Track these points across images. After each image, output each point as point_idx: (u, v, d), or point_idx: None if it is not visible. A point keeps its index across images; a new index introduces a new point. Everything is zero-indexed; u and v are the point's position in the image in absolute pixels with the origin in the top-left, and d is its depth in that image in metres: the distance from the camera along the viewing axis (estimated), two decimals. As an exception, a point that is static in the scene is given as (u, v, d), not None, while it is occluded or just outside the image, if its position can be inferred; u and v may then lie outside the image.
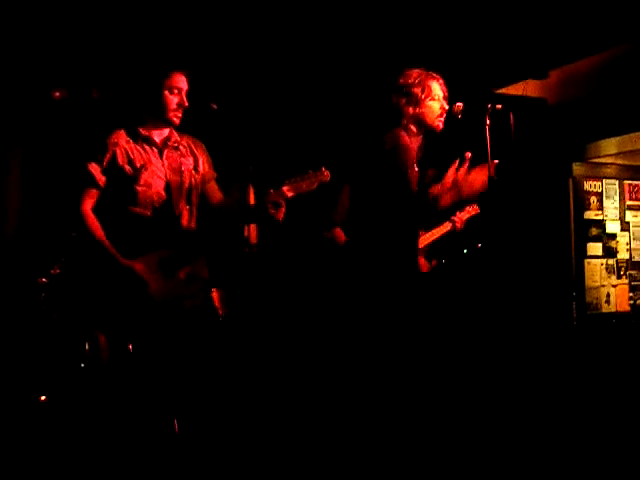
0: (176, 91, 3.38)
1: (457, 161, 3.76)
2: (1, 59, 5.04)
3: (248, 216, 3.65)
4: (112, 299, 3.32)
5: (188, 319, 3.41)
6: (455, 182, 3.71)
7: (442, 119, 3.79)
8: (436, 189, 3.79)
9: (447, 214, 4.94)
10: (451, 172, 3.77)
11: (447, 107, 3.77)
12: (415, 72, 3.77)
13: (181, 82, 3.40)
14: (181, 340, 3.39)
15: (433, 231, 4.93)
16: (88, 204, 3.34)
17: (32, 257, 5.02)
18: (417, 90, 3.72)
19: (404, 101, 3.74)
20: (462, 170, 3.73)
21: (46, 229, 5.11)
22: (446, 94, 3.79)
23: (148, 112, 3.42)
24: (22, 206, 5.32)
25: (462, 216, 4.99)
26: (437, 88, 3.77)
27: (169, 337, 3.37)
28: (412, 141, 3.73)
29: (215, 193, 3.61)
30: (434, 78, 3.78)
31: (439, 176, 3.98)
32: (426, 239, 4.86)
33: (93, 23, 5.02)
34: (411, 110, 3.74)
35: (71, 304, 4.72)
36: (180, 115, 3.42)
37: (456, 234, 5.16)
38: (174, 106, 3.39)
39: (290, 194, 3.39)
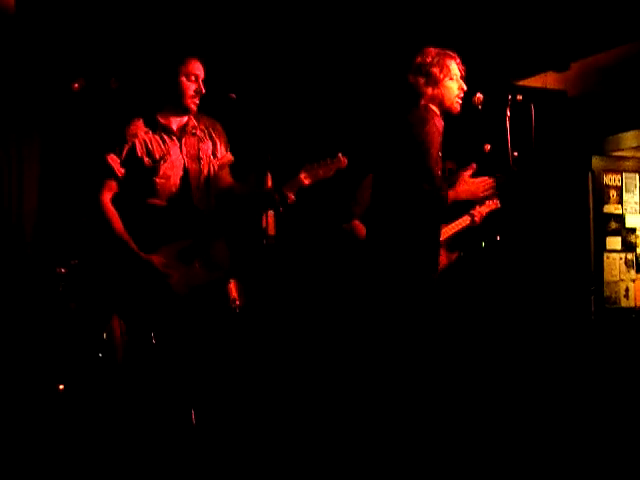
0: (193, 78, 3.37)
1: (472, 168, 3.70)
2: (18, 51, 5.05)
3: (261, 202, 3.60)
4: (131, 290, 3.32)
5: (209, 308, 3.41)
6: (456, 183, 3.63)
7: (460, 100, 3.68)
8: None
9: (466, 208, 4.90)
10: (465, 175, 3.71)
11: (465, 88, 3.67)
12: (433, 51, 3.63)
13: (197, 69, 3.39)
14: (201, 330, 3.39)
15: (452, 225, 4.89)
16: (107, 196, 3.34)
17: (51, 247, 5.04)
18: (435, 70, 3.58)
19: (423, 81, 3.59)
20: (467, 173, 3.66)
21: (65, 220, 5.13)
22: (463, 74, 3.69)
23: (166, 99, 3.42)
24: (41, 197, 5.34)
25: (481, 210, 4.95)
26: (455, 67, 3.63)
27: (189, 327, 3.37)
28: (437, 122, 3.60)
29: (226, 178, 3.59)
30: (452, 57, 3.64)
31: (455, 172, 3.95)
32: (445, 232, 4.83)
33: (109, 13, 5.02)
34: (430, 90, 3.59)
35: (89, 294, 4.74)
36: (197, 102, 3.41)
37: (475, 227, 5.13)
38: (191, 93, 3.38)
39: (307, 181, 3.38)
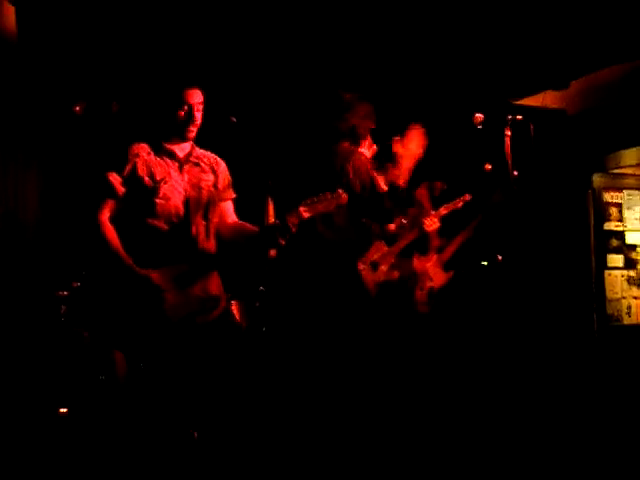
0: (186, 107, 3.39)
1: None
2: (21, 75, 5.08)
3: (263, 242, 3.62)
4: (129, 313, 3.32)
5: (202, 334, 3.41)
6: (399, 157, 3.69)
7: None
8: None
9: (415, 222, 4.90)
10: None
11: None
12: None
13: (192, 98, 3.39)
14: (195, 355, 3.39)
15: (399, 241, 4.86)
16: (106, 214, 3.34)
17: (52, 270, 5.04)
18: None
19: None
20: (398, 142, 3.73)
21: (66, 241, 5.13)
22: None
23: (166, 128, 3.44)
24: (41, 218, 5.34)
25: (434, 216, 4.89)
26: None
27: (183, 352, 3.36)
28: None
29: (229, 214, 3.61)
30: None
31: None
32: (394, 249, 4.81)
33: (111, 37, 5.06)
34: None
35: (91, 317, 4.73)
36: (193, 129, 3.43)
37: (475, 244, 5.13)
38: (183, 121, 3.40)
39: (306, 215, 3.40)
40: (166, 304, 3.29)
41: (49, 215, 5.32)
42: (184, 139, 3.45)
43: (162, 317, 3.29)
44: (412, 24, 4.94)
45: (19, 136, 5.19)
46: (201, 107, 3.44)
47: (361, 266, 4.50)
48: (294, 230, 3.38)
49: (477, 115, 3.77)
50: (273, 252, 4.44)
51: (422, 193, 5.18)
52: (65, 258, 5.04)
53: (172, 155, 3.44)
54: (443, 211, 4.86)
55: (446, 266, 5.21)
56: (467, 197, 4.92)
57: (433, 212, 4.84)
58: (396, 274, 4.74)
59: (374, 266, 4.66)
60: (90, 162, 4.75)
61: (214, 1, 4.75)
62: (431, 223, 4.77)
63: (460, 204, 4.92)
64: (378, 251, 4.73)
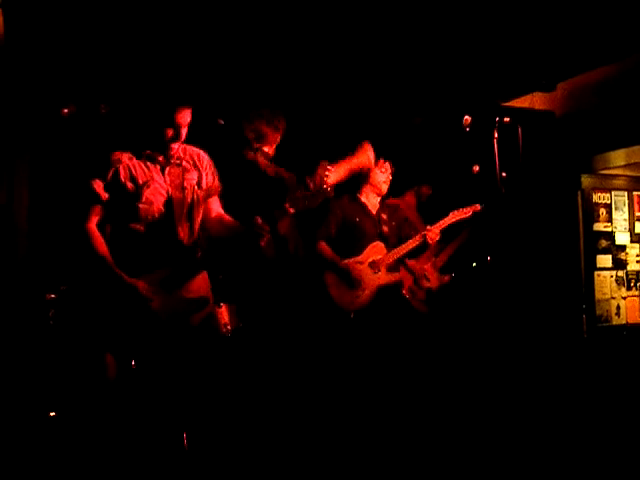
0: (175, 127, 3.36)
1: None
2: (8, 78, 5.06)
3: (248, 238, 3.61)
4: (117, 316, 3.32)
5: (191, 336, 3.41)
6: None
7: None
8: None
9: (417, 228, 4.96)
10: None
11: None
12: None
13: (182, 118, 3.38)
14: (185, 356, 3.39)
15: (403, 245, 4.89)
16: (93, 221, 3.35)
17: (41, 273, 5.03)
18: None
19: None
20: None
21: (55, 245, 5.11)
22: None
23: (149, 140, 3.42)
24: (31, 222, 5.32)
25: (434, 229, 4.93)
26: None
27: (173, 354, 3.36)
28: None
29: (214, 208, 3.60)
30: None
31: None
32: (396, 253, 4.84)
33: (100, 39, 5.04)
34: None
35: (79, 320, 4.72)
36: (175, 147, 3.42)
37: (466, 247, 5.15)
38: (169, 138, 3.39)
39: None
40: (154, 308, 3.29)
41: (39, 218, 5.31)
42: (164, 153, 3.44)
43: (150, 320, 3.29)
44: (401, 26, 4.95)
45: (9, 139, 5.17)
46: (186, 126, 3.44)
47: (360, 265, 4.56)
48: (264, 242, 3.37)
49: (466, 117, 3.78)
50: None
51: (409, 200, 5.23)
52: (53, 261, 5.02)
53: (153, 158, 3.43)
54: (448, 221, 4.96)
55: (442, 270, 5.26)
56: (478, 207, 4.97)
57: (440, 222, 4.93)
58: (396, 276, 4.81)
59: (373, 266, 4.71)
60: (75, 167, 4.73)
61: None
62: (434, 236, 4.87)
63: (469, 213, 4.98)
64: (377, 252, 4.76)
